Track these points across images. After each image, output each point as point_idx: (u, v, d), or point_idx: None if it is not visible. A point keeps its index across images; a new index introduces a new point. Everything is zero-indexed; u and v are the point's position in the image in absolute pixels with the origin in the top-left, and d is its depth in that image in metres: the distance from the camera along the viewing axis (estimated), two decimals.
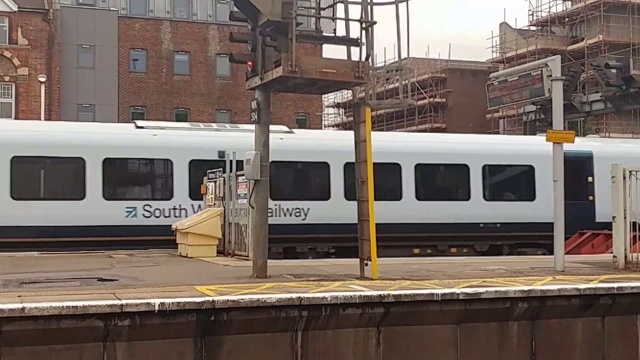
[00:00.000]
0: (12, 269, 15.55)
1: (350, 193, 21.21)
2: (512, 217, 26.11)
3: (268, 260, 14.63)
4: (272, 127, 15.18)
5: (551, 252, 17.53)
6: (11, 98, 45.65)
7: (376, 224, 14.07)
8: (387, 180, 24.73)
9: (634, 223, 16.48)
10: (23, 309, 9.86)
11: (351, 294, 11.66)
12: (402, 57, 14.78)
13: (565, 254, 16.95)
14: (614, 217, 16.63)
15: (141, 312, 10.38)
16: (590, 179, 27.06)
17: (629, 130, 52.13)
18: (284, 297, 11.21)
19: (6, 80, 45.63)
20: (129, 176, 24.13)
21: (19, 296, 10.88)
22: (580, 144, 26.85)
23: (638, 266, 16.23)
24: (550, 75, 16.94)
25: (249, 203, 15.74)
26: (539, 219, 24.22)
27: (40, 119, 40.21)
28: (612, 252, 17.23)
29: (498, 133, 55.43)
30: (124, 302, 10.40)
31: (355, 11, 14.21)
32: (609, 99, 35.48)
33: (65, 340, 10.14)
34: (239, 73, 46.64)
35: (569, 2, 58.78)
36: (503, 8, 68.88)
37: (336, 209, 23.66)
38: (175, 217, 22.88)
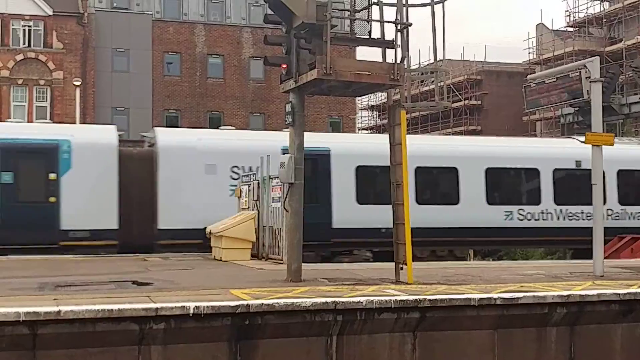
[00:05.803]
0: (48, 272, 15.63)
1: None
2: None
3: (302, 264, 14.56)
4: None
5: None
6: (46, 102, 46.05)
7: None
8: None
9: None
10: (59, 312, 9.89)
11: (386, 298, 11.56)
12: (438, 58, 14.65)
13: (604, 258, 16.64)
14: None
15: (176, 315, 10.36)
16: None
17: None
18: (318, 301, 11.13)
19: (41, 84, 46.04)
20: None
21: (54, 299, 10.91)
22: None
23: None
24: (589, 77, 16.70)
25: (283, 206, 15.68)
26: None
27: (75, 123, 40.49)
28: None
29: (535, 136, 54.83)
30: (159, 305, 10.39)
31: (390, 13, 14.11)
32: None
33: (100, 343, 10.15)
34: (273, 76, 46.64)
35: (607, 3, 58.06)
36: (540, 9, 68.74)
37: None
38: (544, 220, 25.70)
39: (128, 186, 22.52)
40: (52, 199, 21.60)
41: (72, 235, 21.51)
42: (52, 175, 21.60)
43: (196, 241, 21.71)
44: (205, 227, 20.71)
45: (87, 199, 21.70)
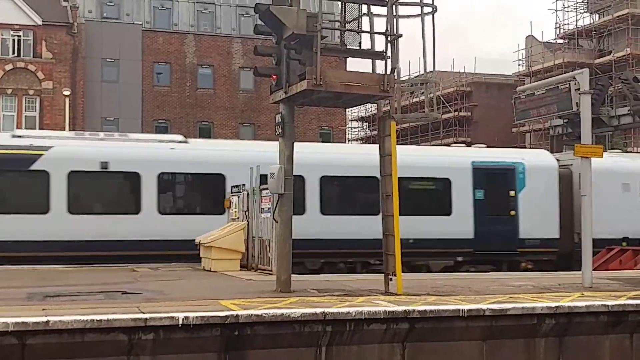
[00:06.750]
0: (36, 282, 15.56)
1: None
2: None
3: (292, 275, 14.54)
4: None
5: None
6: (35, 112, 45.94)
7: None
8: None
9: None
10: (47, 322, 9.85)
11: (376, 309, 11.55)
12: (428, 70, 14.70)
13: (593, 270, 16.69)
14: None
15: (165, 326, 10.33)
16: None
17: None
18: (308, 312, 11.12)
19: (30, 94, 45.94)
20: None
21: (43, 309, 10.87)
22: None
23: None
24: (579, 89, 16.78)
25: (273, 217, 15.67)
26: None
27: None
28: None
29: (524, 147, 54.97)
30: (148, 316, 10.36)
31: (380, 24, 14.15)
32: (637, 112, 35.12)
33: (89, 354, 10.11)
34: (263, 87, 46.69)
35: (596, 15, 58.39)
36: (529, 21, 69.37)
37: None
38: None
39: (560, 201, 26.08)
40: (512, 213, 25.22)
41: (527, 244, 25.03)
42: (512, 192, 25.32)
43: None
44: (622, 238, 25.05)
45: (537, 212, 25.28)
